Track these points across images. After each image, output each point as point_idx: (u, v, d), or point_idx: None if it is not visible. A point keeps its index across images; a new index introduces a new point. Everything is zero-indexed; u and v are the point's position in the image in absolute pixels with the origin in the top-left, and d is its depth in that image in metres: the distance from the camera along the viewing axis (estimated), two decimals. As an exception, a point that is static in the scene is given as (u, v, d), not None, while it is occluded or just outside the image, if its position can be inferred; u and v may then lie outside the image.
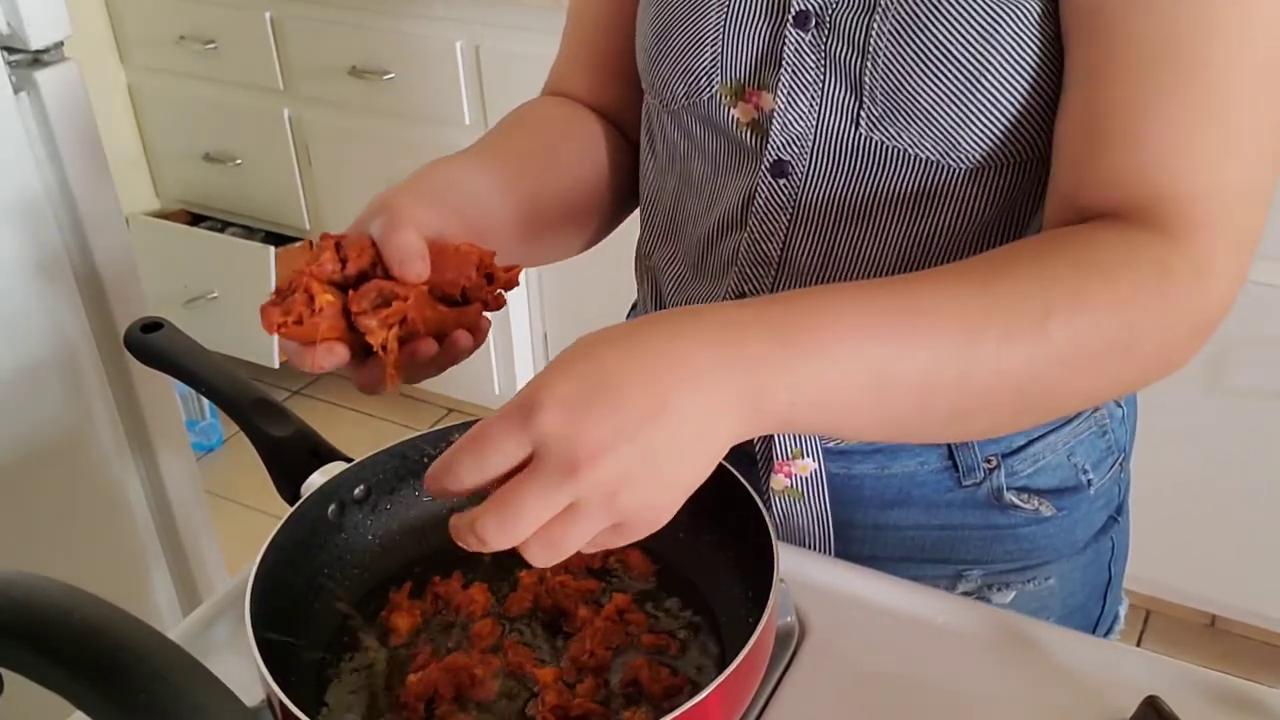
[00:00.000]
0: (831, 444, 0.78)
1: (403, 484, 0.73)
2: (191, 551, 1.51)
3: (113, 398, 1.37)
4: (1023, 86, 0.64)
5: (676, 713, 0.54)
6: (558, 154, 0.82)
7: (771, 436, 0.77)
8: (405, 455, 0.73)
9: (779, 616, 0.64)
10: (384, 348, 0.63)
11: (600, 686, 0.64)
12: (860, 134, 0.69)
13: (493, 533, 0.49)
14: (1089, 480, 0.80)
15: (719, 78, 0.73)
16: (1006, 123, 0.66)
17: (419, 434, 0.73)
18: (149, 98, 2.61)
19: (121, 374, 1.37)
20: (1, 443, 1.25)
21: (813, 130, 0.70)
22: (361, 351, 0.65)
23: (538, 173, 0.80)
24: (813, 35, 0.69)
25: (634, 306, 0.93)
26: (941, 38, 0.64)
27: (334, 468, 0.71)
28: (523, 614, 0.69)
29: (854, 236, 0.72)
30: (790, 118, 0.71)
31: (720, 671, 0.56)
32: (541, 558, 0.50)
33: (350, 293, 0.64)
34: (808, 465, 0.78)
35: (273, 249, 2.47)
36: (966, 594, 0.81)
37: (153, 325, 0.76)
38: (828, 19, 0.68)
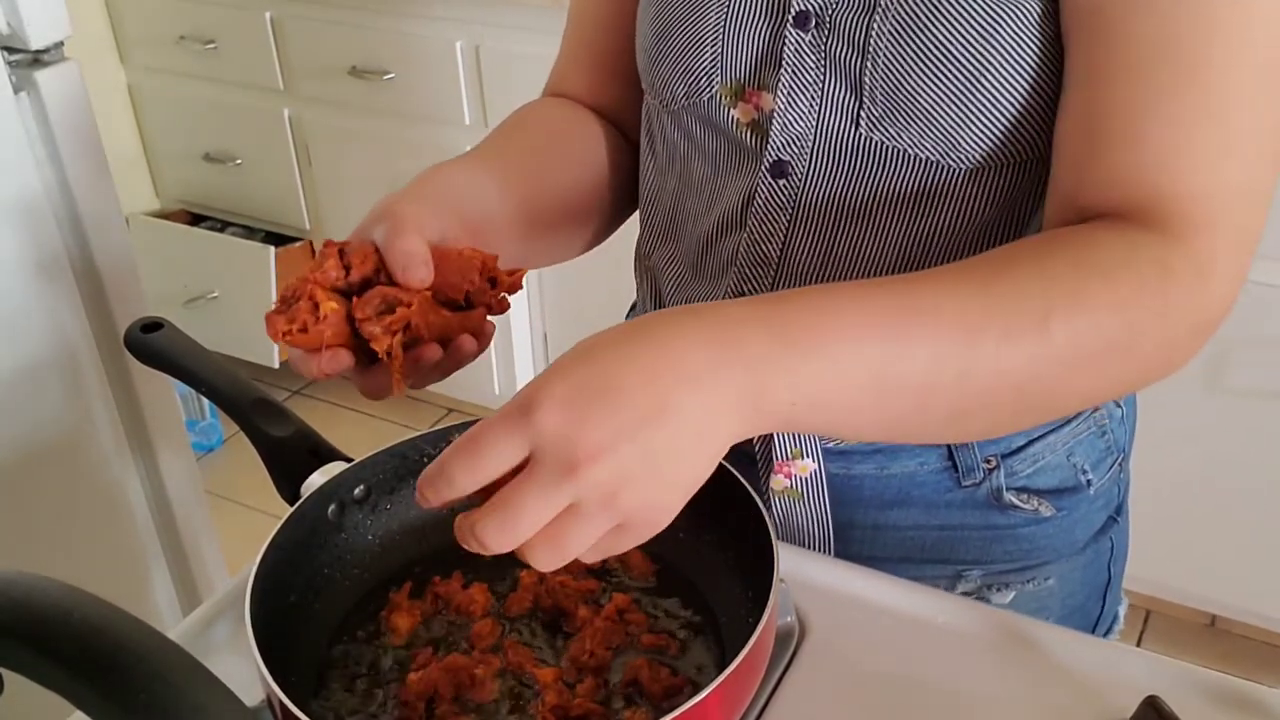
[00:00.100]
0: (831, 444, 0.78)
1: (403, 484, 0.73)
2: (191, 551, 1.51)
3: (113, 398, 1.37)
4: (1023, 86, 0.64)
5: (676, 713, 0.54)
6: (558, 155, 0.82)
7: (771, 437, 0.77)
8: (405, 455, 0.73)
9: (779, 616, 0.64)
10: (389, 354, 0.63)
11: (600, 686, 0.64)
12: (860, 134, 0.69)
13: (493, 534, 0.49)
14: (1088, 480, 0.80)
15: (719, 78, 0.73)
16: (1006, 123, 0.66)
17: (419, 434, 0.73)
18: (149, 98, 2.61)
19: (121, 374, 1.37)
20: (1, 443, 1.25)
21: (813, 130, 0.70)
22: (366, 357, 0.65)
23: (538, 174, 0.80)
24: (813, 35, 0.69)
25: (634, 306, 0.93)
26: (941, 38, 0.64)
27: (334, 468, 0.71)
28: (523, 614, 0.69)
29: (854, 236, 0.72)
30: (790, 118, 0.71)
31: (720, 671, 0.56)
32: (544, 560, 0.50)
33: (354, 299, 0.64)
34: (807, 465, 0.78)
35: (273, 249, 2.48)
36: (966, 594, 0.81)
37: (153, 325, 0.76)
38: (828, 19, 0.68)
